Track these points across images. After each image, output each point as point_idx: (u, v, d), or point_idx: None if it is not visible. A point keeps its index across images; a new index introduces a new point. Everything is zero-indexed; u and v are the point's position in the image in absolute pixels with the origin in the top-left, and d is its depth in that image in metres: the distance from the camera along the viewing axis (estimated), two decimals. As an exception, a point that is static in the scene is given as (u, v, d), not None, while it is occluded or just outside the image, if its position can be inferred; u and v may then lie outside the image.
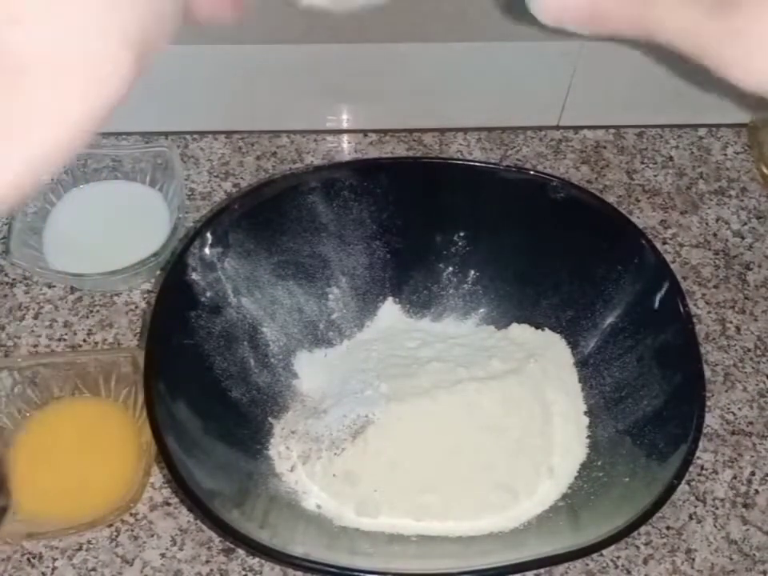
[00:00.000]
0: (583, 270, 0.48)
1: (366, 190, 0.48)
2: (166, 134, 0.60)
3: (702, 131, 0.62)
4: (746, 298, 0.54)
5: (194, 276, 0.44)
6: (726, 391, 0.50)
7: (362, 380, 0.46)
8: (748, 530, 0.45)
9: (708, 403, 0.48)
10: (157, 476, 0.46)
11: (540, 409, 0.45)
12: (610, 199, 0.57)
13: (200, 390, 0.44)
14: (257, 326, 0.47)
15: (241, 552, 0.43)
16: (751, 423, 0.49)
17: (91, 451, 0.45)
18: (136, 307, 0.52)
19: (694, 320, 0.47)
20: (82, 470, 0.45)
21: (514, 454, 0.44)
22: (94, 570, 0.43)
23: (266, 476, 0.43)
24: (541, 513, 0.43)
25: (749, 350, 0.52)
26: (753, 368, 0.51)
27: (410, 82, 0.58)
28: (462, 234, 0.50)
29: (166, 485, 0.45)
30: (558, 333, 0.49)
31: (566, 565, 0.44)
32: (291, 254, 0.49)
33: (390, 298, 0.51)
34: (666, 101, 0.61)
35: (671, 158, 0.61)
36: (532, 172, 0.51)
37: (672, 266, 0.47)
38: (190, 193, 0.57)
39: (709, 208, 0.58)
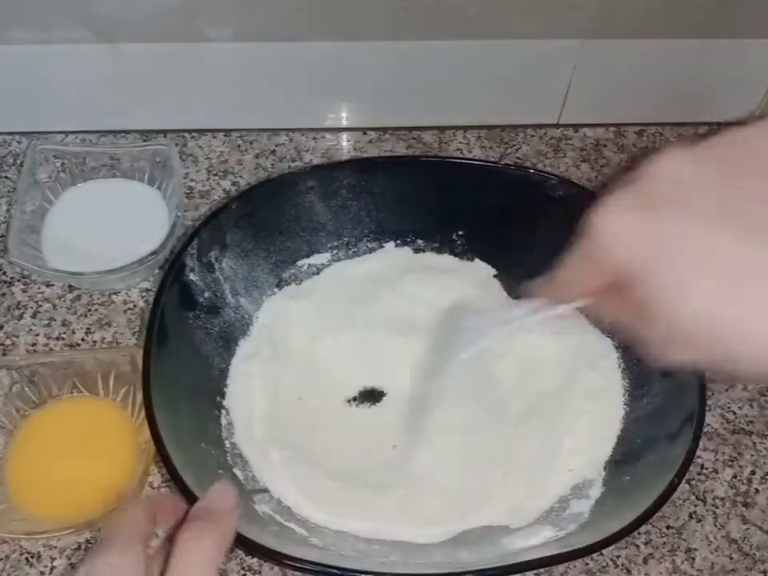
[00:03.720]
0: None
1: (364, 188, 0.48)
2: (165, 132, 0.60)
3: (702, 129, 0.62)
4: (746, 297, 0.54)
5: (192, 276, 0.44)
6: (727, 390, 0.50)
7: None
8: (748, 529, 0.45)
9: (708, 402, 0.48)
10: (155, 475, 0.45)
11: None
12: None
13: (198, 389, 0.43)
14: (255, 326, 0.47)
15: (240, 551, 0.43)
16: (751, 422, 0.49)
17: (89, 450, 0.45)
18: (134, 306, 0.52)
19: (695, 319, 0.47)
20: (80, 469, 0.45)
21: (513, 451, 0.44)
22: (92, 569, 0.43)
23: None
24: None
25: (749, 349, 0.52)
26: (753, 367, 0.51)
27: (410, 79, 0.57)
28: (461, 233, 0.50)
29: (164, 484, 0.45)
30: (556, 332, 0.49)
31: (566, 564, 0.44)
32: (289, 253, 0.48)
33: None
34: (666, 99, 0.61)
35: (671, 156, 0.61)
36: (532, 170, 0.51)
37: (672, 264, 0.47)
38: (188, 191, 0.57)
39: (709, 206, 0.58)
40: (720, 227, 0.25)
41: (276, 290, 0.49)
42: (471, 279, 0.49)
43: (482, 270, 0.50)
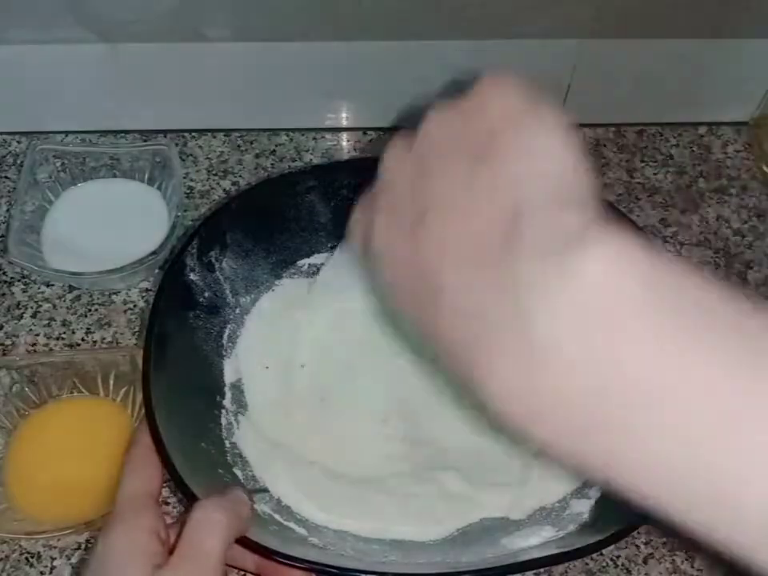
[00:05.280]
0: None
1: (364, 188, 0.48)
2: (165, 132, 0.60)
3: (702, 129, 0.62)
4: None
5: (192, 276, 0.44)
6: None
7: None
8: (748, 529, 0.45)
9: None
10: (155, 475, 0.45)
11: None
12: (610, 197, 0.57)
13: (198, 389, 0.43)
14: (255, 326, 0.47)
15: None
16: (751, 422, 0.49)
17: (89, 450, 0.45)
18: (134, 306, 0.52)
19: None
20: (80, 469, 0.45)
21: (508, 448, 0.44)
22: (92, 569, 0.43)
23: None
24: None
25: (749, 349, 0.51)
26: (753, 367, 0.51)
27: (410, 80, 0.57)
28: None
29: (164, 484, 0.45)
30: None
31: (566, 564, 0.44)
32: (289, 253, 0.48)
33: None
34: (666, 99, 0.61)
35: (671, 157, 0.61)
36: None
37: (672, 264, 0.47)
38: (188, 191, 0.57)
39: (709, 206, 0.58)
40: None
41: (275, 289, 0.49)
42: None
43: None
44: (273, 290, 0.48)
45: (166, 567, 0.30)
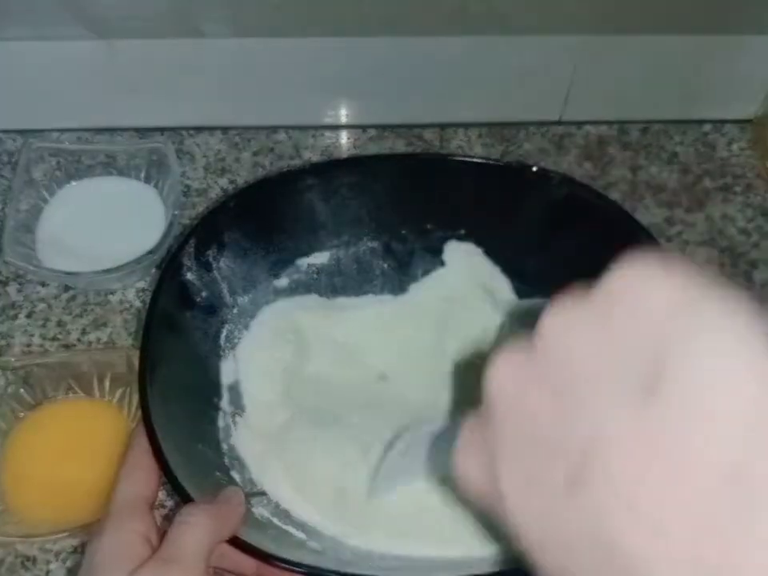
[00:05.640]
0: (586, 268, 0.47)
1: (364, 186, 0.48)
2: (162, 130, 0.59)
3: (706, 127, 0.62)
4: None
5: (189, 276, 0.43)
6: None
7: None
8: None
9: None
10: (152, 478, 0.45)
11: None
12: (614, 196, 0.56)
13: (195, 390, 0.43)
14: (253, 326, 0.47)
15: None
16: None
17: (85, 452, 0.45)
18: (131, 306, 0.51)
19: (699, 319, 0.46)
20: (76, 471, 0.44)
21: None
22: (88, 573, 0.42)
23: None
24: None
25: (754, 349, 0.51)
26: (758, 367, 0.50)
27: (410, 77, 0.57)
28: (462, 232, 0.49)
29: (161, 487, 0.45)
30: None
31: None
32: (288, 252, 0.48)
33: (389, 297, 0.50)
34: (671, 96, 0.60)
35: (676, 154, 0.60)
36: (534, 168, 0.50)
37: (677, 263, 0.47)
38: (185, 189, 0.57)
39: (714, 205, 0.58)
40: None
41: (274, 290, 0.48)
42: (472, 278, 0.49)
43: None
44: (285, 299, 0.48)
45: (143, 568, 0.30)
